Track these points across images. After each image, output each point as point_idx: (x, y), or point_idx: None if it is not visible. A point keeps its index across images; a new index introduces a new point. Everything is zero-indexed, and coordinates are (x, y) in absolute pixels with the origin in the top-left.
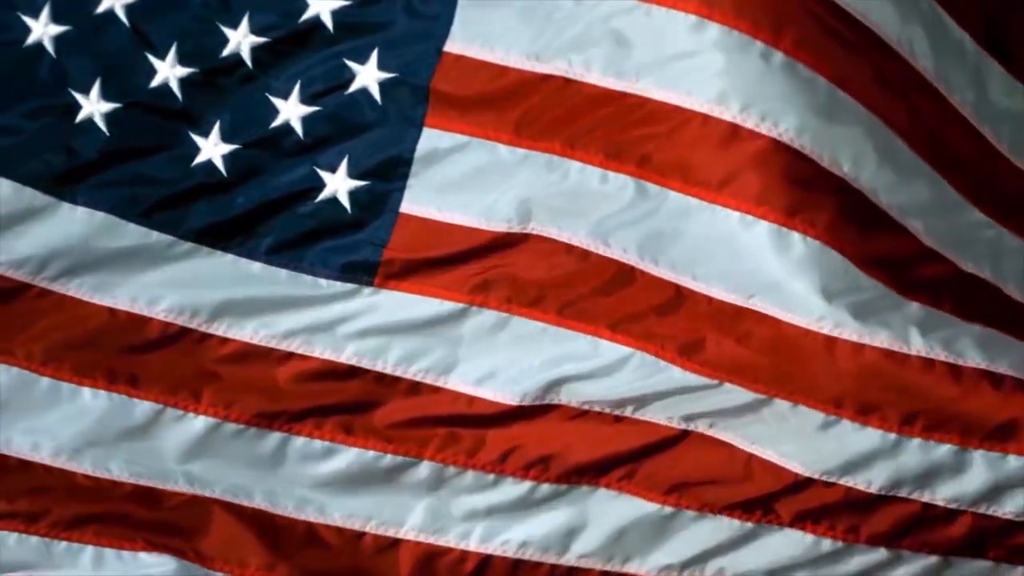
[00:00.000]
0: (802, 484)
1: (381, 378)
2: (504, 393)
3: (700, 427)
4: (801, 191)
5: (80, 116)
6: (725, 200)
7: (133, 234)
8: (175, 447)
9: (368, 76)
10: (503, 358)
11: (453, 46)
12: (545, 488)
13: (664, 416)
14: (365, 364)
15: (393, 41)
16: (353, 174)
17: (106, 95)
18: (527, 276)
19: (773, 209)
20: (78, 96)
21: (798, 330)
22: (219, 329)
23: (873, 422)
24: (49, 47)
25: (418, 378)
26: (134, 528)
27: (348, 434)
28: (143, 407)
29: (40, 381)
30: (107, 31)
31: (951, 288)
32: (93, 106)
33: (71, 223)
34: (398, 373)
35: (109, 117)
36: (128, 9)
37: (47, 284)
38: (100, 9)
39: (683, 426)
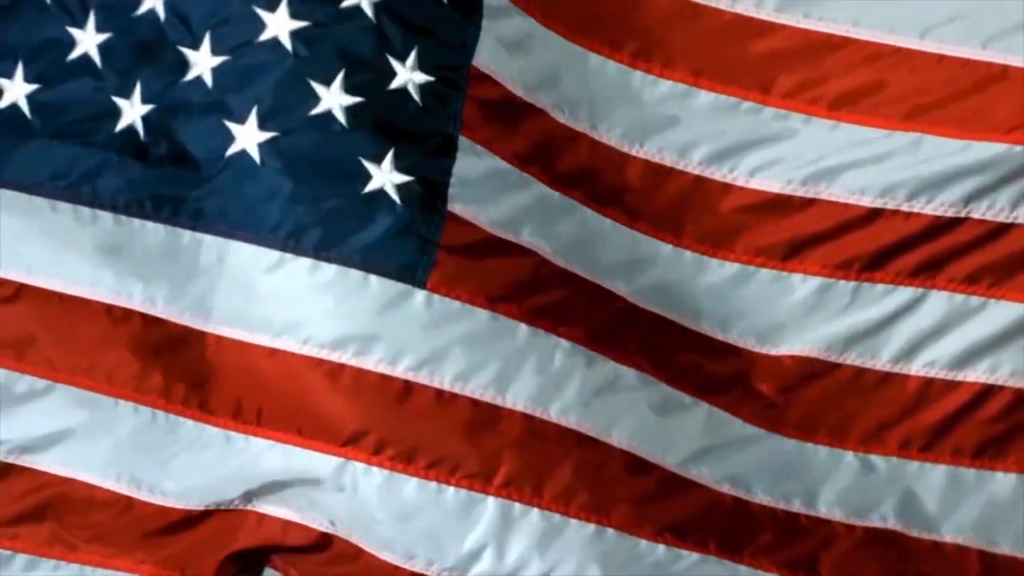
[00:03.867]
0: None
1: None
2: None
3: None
4: None
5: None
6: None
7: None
8: None
9: (408, 75)
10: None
11: (479, 62)
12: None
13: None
14: (422, 380)
15: (431, 43)
16: (400, 168)
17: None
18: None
19: None
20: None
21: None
22: None
23: (877, 450)
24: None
25: (476, 395)
26: None
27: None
28: None
29: None
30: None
31: None
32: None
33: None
34: (456, 390)
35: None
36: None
37: None
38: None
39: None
